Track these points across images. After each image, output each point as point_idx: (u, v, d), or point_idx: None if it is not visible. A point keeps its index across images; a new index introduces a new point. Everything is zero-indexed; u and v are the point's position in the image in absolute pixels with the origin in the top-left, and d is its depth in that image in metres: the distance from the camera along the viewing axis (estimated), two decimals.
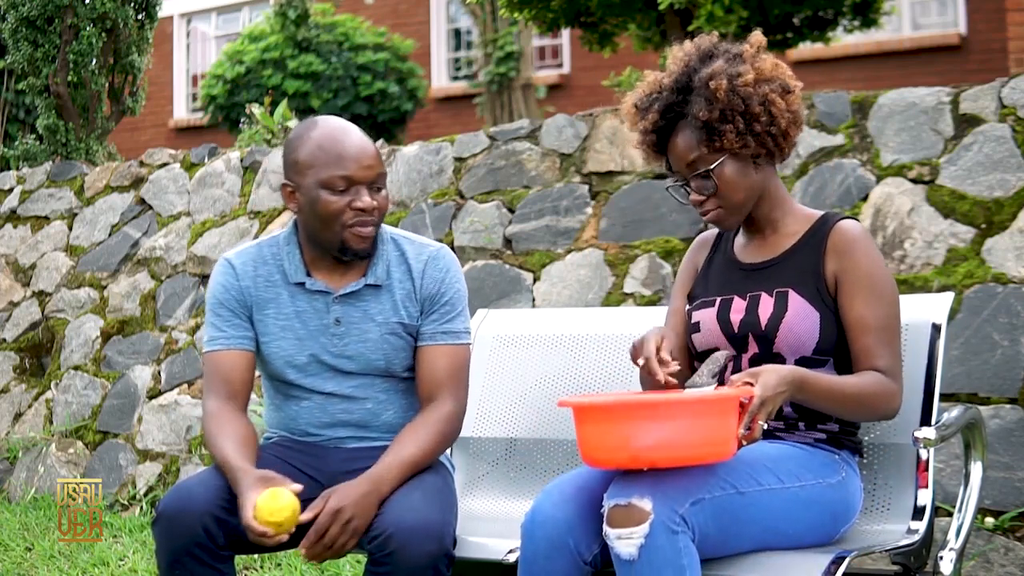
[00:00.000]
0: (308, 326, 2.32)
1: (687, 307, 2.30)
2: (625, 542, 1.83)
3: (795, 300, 2.12)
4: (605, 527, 1.87)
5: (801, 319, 2.10)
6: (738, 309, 2.17)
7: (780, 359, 2.12)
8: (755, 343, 2.14)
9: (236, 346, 2.32)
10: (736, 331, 2.16)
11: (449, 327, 2.33)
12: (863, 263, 2.11)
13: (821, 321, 2.10)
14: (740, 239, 2.31)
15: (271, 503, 2.01)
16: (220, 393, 2.29)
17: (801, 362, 2.11)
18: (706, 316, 2.21)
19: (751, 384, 1.90)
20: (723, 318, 2.18)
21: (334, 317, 2.31)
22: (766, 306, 2.13)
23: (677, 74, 2.18)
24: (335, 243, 2.26)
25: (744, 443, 1.90)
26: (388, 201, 2.30)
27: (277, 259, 2.35)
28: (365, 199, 2.22)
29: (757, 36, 2.22)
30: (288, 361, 2.32)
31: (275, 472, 2.11)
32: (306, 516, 2.07)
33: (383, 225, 2.37)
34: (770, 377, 1.91)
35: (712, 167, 2.14)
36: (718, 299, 2.22)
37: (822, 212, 2.24)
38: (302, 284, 2.32)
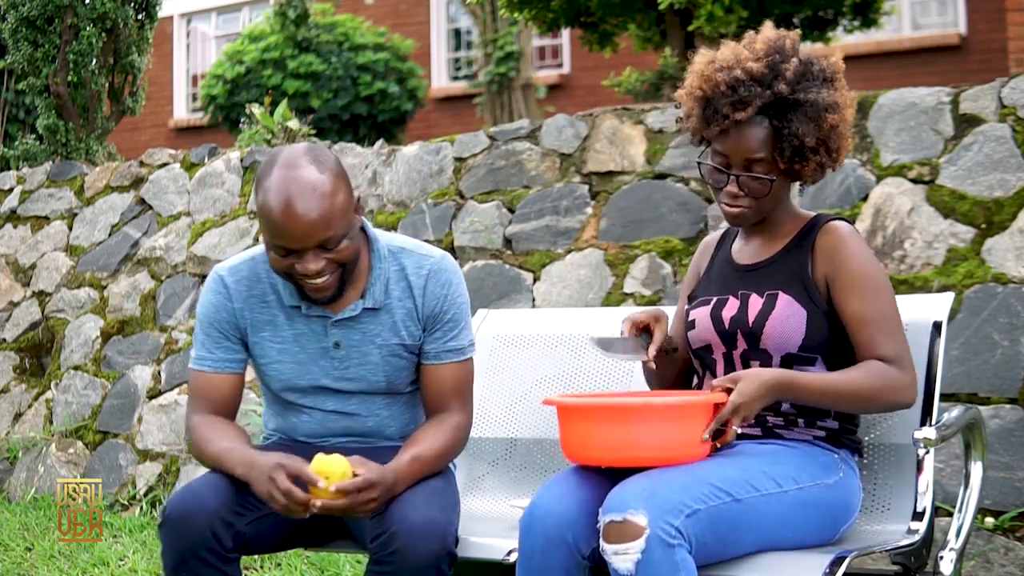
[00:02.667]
0: (307, 349, 2.27)
1: (686, 307, 2.32)
2: (622, 558, 1.84)
3: (783, 299, 2.15)
4: (602, 543, 1.88)
5: (787, 316, 2.12)
6: (730, 307, 2.20)
7: (767, 355, 2.14)
8: (743, 340, 2.16)
9: (224, 369, 2.28)
10: (727, 328, 2.19)
11: (454, 344, 2.29)
12: (852, 261, 2.13)
13: (808, 319, 2.12)
14: (739, 241, 2.34)
15: (327, 459, 2.03)
16: (205, 410, 2.26)
17: (787, 359, 2.13)
18: (701, 314, 2.24)
19: (730, 390, 1.96)
20: (715, 316, 2.21)
21: (333, 341, 2.26)
22: (755, 305, 2.17)
23: (782, 84, 2.11)
24: (297, 290, 2.22)
25: (717, 446, 1.96)
26: (350, 249, 2.14)
27: (271, 278, 2.27)
28: (307, 265, 2.10)
29: (839, 62, 2.20)
30: (287, 384, 2.30)
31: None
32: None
33: (380, 239, 2.29)
34: (748, 385, 1.96)
35: (773, 177, 2.15)
36: (714, 299, 2.25)
37: (815, 214, 2.27)
38: (298, 308, 2.27)
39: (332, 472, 2.01)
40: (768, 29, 2.22)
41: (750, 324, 2.14)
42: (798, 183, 2.25)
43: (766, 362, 2.14)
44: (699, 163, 2.24)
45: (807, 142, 2.11)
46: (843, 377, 2.06)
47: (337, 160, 2.16)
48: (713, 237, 2.43)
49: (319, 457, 2.04)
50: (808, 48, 2.22)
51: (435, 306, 2.27)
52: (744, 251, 2.30)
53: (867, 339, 2.09)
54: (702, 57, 2.22)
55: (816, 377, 2.05)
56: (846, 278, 2.12)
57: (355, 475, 2.04)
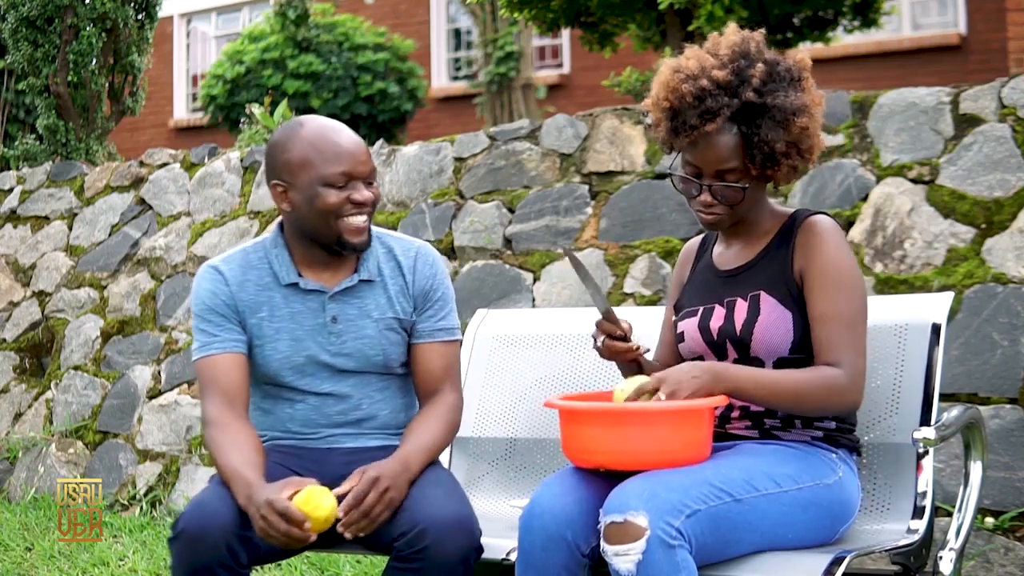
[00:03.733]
0: (304, 326, 2.30)
1: (674, 318, 2.32)
2: (623, 559, 1.84)
3: (767, 302, 2.13)
4: (603, 544, 1.88)
5: (774, 321, 2.11)
6: (718, 317, 2.19)
7: (759, 362, 2.13)
8: (733, 349, 2.15)
9: (231, 349, 2.27)
10: (715, 339, 2.18)
11: (444, 324, 2.36)
12: (825, 255, 2.10)
13: (794, 321, 2.11)
14: (719, 246, 2.32)
15: (316, 497, 2.01)
16: (219, 399, 2.23)
17: (779, 363, 2.12)
18: (689, 326, 2.23)
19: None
20: (704, 326, 2.20)
21: (331, 315, 2.30)
22: (741, 311, 2.15)
23: (755, 84, 2.08)
24: (332, 238, 2.26)
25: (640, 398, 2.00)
26: (379, 196, 2.32)
27: (265, 262, 2.33)
28: (363, 193, 2.24)
29: (806, 60, 2.17)
30: (285, 363, 2.30)
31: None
32: (341, 489, 2.05)
33: None
34: (675, 372, 2.01)
35: (744, 184, 2.12)
36: (700, 308, 2.23)
37: (793, 210, 2.24)
38: (295, 285, 2.31)
39: (317, 515, 1.99)
40: (732, 32, 2.18)
41: (737, 333, 2.13)
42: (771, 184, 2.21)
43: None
44: (670, 174, 2.22)
45: (777, 148, 2.08)
46: (781, 376, 2.06)
47: None
48: (692, 244, 2.41)
49: (308, 491, 2.01)
50: (770, 53, 2.18)
51: (425, 284, 2.35)
52: (725, 256, 2.27)
53: (823, 338, 2.07)
54: (667, 67, 2.18)
55: (750, 372, 2.06)
56: (815, 272, 2.10)
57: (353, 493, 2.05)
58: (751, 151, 2.09)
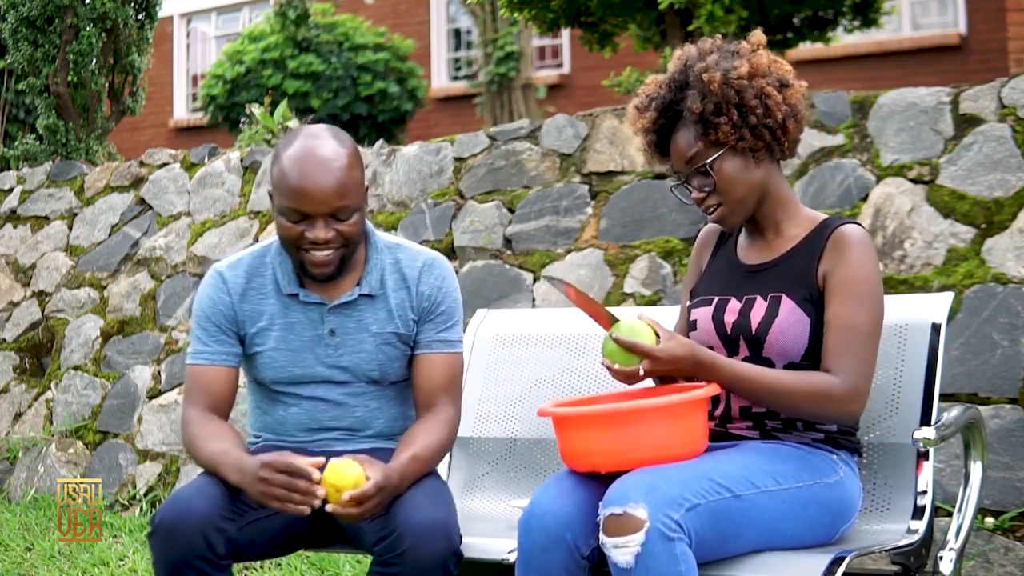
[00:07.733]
0: (302, 337, 2.31)
1: (687, 304, 2.31)
2: (621, 551, 1.84)
3: (787, 305, 2.12)
4: (602, 535, 1.88)
5: (791, 325, 2.10)
6: (732, 310, 2.18)
7: (769, 363, 2.12)
8: (746, 346, 2.14)
9: (220, 362, 2.30)
10: (728, 332, 2.16)
11: (445, 336, 2.33)
12: (851, 264, 2.10)
13: (812, 327, 2.10)
14: (743, 239, 2.30)
15: (343, 468, 2.00)
16: (201, 404, 2.27)
17: (790, 367, 2.11)
18: (702, 315, 2.22)
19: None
20: (717, 318, 2.19)
21: (328, 328, 2.30)
22: (759, 310, 2.14)
23: (675, 72, 2.20)
24: (297, 264, 2.26)
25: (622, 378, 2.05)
26: (358, 226, 2.22)
27: (269, 269, 2.33)
28: (318, 232, 2.16)
29: (757, 35, 2.22)
30: (281, 371, 2.31)
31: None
32: (364, 471, 2.03)
33: (377, 233, 2.36)
34: (678, 348, 2.02)
35: (710, 161, 2.14)
36: (716, 299, 2.22)
37: (825, 216, 2.23)
38: (295, 295, 2.31)
39: (345, 481, 1.99)
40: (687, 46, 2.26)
41: (753, 331, 2.12)
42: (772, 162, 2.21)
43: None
44: (672, 191, 2.29)
45: (705, 108, 2.12)
46: (773, 376, 2.06)
47: (354, 142, 2.25)
48: (712, 229, 2.38)
49: (333, 463, 2.02)
50: (723, 43, 2.26)
51: (430, 296, 2.32)
52: (749, 250, 2.26)
53: (829, 344, 2.07)
54: (629, 116, 2.29)
55: (740, 368, 2.07)
56: (837, 279, 2.09)
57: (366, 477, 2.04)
58: (696, 129, 2.14)
